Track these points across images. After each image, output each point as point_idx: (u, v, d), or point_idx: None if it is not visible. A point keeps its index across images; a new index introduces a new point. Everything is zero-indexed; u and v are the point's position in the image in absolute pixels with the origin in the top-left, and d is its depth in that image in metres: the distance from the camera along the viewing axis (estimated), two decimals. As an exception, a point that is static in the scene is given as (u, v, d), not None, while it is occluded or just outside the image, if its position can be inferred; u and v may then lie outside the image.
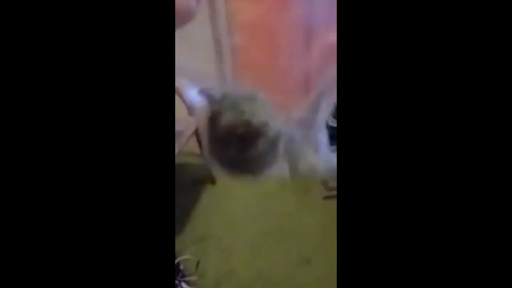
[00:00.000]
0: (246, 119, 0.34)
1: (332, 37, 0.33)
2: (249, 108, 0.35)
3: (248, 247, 1.36)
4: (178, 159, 1.35)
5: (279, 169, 0.40)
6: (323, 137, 0.39)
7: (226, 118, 0.34)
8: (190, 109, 0.36)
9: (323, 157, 0.39)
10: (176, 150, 1.29)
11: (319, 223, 1.39)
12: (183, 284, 1.10)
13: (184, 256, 1.22)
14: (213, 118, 0.36)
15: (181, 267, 1.18)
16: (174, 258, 1.06)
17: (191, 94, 0.34)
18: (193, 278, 1.16)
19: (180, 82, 0.33)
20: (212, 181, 1.65)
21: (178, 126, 1.38)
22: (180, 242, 1.39)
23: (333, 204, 1.48)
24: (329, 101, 0.38)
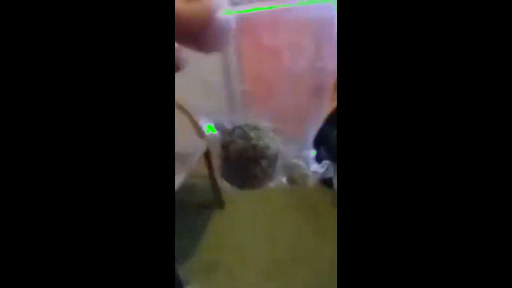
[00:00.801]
0: (253, 144, 0.46)
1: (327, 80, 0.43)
2: (255, 134, 0.46)
3: (260, 274, 1.30)
4: (186, 181, 1.30)
5: (278, 180, 0.51)
6: (310, 154, 0.50)
7: (237, 145, 0.46)
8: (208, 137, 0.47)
9: (312, 169, 0.50)
10: (185, 172, 1.29)
11: (332, 249, 1.32)
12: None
13: (193, 286, 1.19)
14: (226, 146, 0.47)
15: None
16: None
17: (206, 127, 0.46)
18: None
19: (198, 118, 0.44)
20: (221, 205, 1.64)
21: (188, 148, 1.43)
22: (188, 269, 1.33)
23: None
24: (315, 128, 0.49)
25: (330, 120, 0.48)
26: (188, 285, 1.21)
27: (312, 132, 0.49)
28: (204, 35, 0.22)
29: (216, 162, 0.49)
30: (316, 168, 0.51)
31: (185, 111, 1.31)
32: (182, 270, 1.26)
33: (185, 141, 1.36)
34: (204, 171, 1.51)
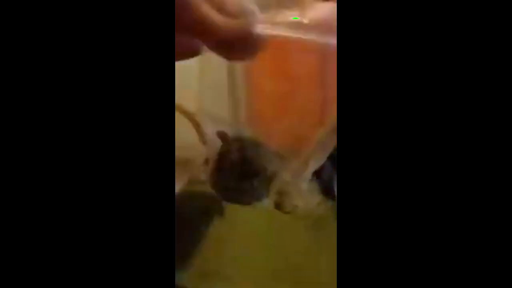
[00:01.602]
0: (249, 160, 0.45)
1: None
2: (254, 151, 0.46)
3: (259, 285, 1.24)
4: (186, 188, 1.31)
5: (266, 202, 0.50)
6: (306, 186, 0.49)
7: (233, 157, 0.45)
8: (208, 143, 0.46)
9: (304, 200, 0.49)
10: (186, 179, 1.28)
11: (332, 261, 1.24)
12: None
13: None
14: (222, 155, 0.47)
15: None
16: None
17: (211, 133, 0.46)
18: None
19: (203, 121, 0.44)
20: (221, 212, 1.62)
21: (189, 154, 1.41)
22: (185, 277, 1.27)
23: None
24: (317, 161, 0.48)
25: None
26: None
27: (313, 164, 0.48)
28: (237, 47, 0.23)
29: (210, 168, 0.49)
30: (308, 200, 0.50)
31: (190, 117, 1.31)
32: (180, 278, 1.23)
33: (186, 147, 1.35)
34: (206, 177, 1.49)
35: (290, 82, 0.40)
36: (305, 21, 0.33)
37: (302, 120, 0.42)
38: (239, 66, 0.42)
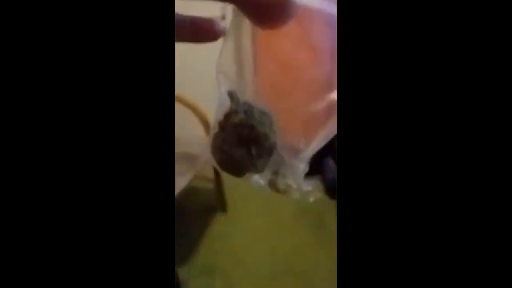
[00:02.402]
0: (253, 124, 0.43)
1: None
2: (259, 118, 0.44)
3: (258, 284, 1.29)
4: (191, 183, 1.32)
5: (259, 180, 0.49)
6: (303, 168, 0.48)
7: (237, 118, 0.43)
8: (219, 102, 0.46)
9: (298, 182, 0.48)
10: (191, 175, 1.30)
11: (333, 260, 1.27)
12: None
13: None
14: (227, 117, 0.45)
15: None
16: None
17: (223, 92, 0.45)
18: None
19: (219, 78, 0.44)
20: (224, 209, 1.63)
21: (196, 149, 1.44)
22: (185, 272, 1.34)
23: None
24: (318, 143, 0.47)
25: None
26: (184, 287, 1.20)
27: (314, 147, 0.47)
28: (271, 12, 0.23)
29: (214, 129, 0.47)
30: (303, 185, 0.49)
31: (197, 112, 1.32)
32: (180, 274, 1.26)
33: (193, 142, 1.37)
34: (210, 173, 1.51)
35: (311, 53, 0.40)
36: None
37: (314, 95, 0.41)
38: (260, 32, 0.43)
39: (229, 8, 0.26)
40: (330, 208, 1.57)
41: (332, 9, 0.31)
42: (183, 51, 0.63)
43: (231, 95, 0.45)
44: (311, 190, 0.48)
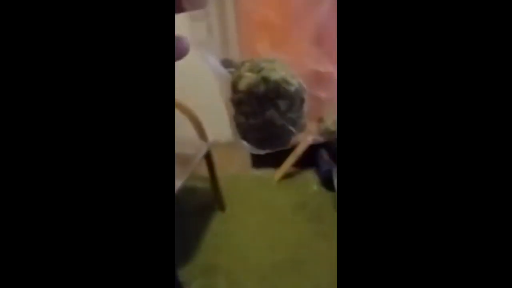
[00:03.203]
0: (265, 76, 0.36)
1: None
2: (268, 66, 0.37)
3: (260, 280, 1.28)
4: (187, 183, 1.28)
5: (307, 135, 0.43)
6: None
7: (246, 79, 0.37)
8: (216, 75, 0.41)
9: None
10: (186, 175, 1.27)
11: (333, 253, 1.23)
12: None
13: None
14: (235, 84, 0.38)
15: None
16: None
17: (214, 62, 0.40)
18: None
19: (203, 53, 0.39)
20: (221, 207, 1.62)
21: (189, 150, 1.40)
22: (187, 272, 1.31)
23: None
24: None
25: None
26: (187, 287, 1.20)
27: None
28: None
29: (230, 114, 0.40)
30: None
31: (189, 113, 1.30)
32: (181, 273, 1.25)
33: (186, 143, 1.36)
34: (205, 173, 1.49)
35: (286, 14, 0.38)
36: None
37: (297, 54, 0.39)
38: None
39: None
40: (327, 200, 1.58)
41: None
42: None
43: (226, 62, 0.40)
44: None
